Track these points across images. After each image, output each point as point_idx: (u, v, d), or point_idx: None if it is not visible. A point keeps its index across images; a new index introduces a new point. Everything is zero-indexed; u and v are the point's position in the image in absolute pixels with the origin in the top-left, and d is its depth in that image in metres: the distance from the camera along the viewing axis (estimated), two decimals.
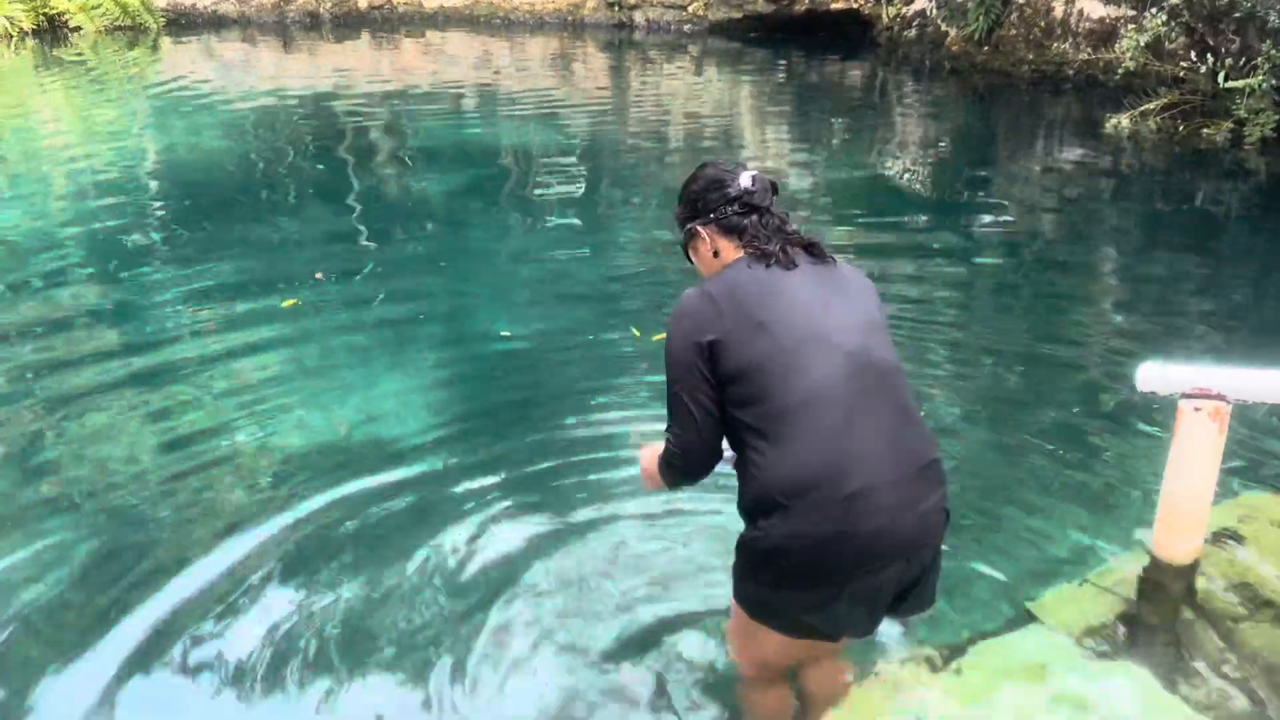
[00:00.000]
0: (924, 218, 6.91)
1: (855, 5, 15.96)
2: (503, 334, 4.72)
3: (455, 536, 3.10)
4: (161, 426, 3.86)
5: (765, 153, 8.74)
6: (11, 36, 15.88)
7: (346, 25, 18.44)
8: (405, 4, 18.90)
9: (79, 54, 15.14)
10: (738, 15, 16.72)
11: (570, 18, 18.32)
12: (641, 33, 17.35)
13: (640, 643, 2.66)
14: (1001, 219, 6.88)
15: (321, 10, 18.69)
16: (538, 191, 7.50)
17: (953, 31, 12.99)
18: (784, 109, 11.15)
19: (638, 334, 4.63)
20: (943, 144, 9.35)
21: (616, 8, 17.89)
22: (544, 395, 4.17)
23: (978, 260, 6.04)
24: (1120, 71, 9.59)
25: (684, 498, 3.15)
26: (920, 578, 1.94)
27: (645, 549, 3.06)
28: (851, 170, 8.21)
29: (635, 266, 5.80)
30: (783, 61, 14.60)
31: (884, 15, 14.99)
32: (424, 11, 18.89)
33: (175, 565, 2.99)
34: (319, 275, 5.45)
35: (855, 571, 1.82)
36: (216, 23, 18.39)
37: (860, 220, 6.77)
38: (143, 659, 2.62)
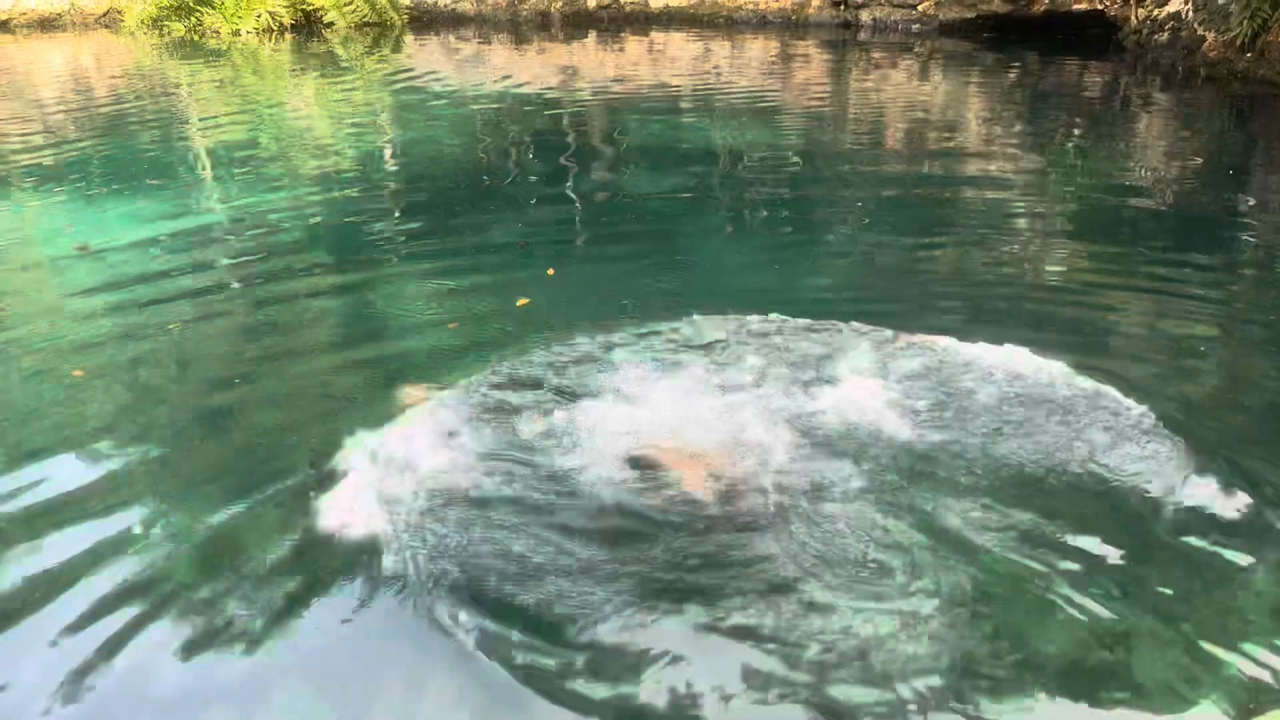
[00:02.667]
0: (1171, 241, 6.34)
1: (1099, 6, 14.96)
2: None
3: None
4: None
5: (991, 161, 8.29)
6: (272, 31, 17.26)
7: (575, 24, 18.99)
8: (631, 4, 19.24)
9: (330, 48, 16.26)
10: (970, 15, 16.02)
11: (794, 16, 18.11)
12: (867, 32, 16.92)
13: None
14: (1269, 243, 6.23)
15: (552, 10, 19.31)
16: (751, 194, 7.42)
17: (1211, 36, 11.94)
18: (1016, 114, 10.55)
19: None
20: (1195, 158, 8.58)
21: (842, 6, 17.53)
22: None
23: (1235, 290, 5.48)
24: None
25: None
26: None
27: None
28: (1089, 182, 7.66)
29: (846, 271, 5.62)
30: (1016, 64, 13.87)
31: (1132, 17, 13.98)
32: (649, 11, 19.17)
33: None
34: (550, 271, 5.57)
35: None
36: (455, 20, 19.34)
37: (1098, 240, 6.29)
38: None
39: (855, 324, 4.65)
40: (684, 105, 11.30)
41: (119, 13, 18.81)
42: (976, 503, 3.26)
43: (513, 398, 3.98)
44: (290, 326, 4.93)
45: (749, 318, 4.74)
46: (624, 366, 4.27)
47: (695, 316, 4.77)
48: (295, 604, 2.87)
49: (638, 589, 2.89)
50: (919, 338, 4.48)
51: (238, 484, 3.48)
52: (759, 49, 15.66)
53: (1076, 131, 9.74)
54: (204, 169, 8.37)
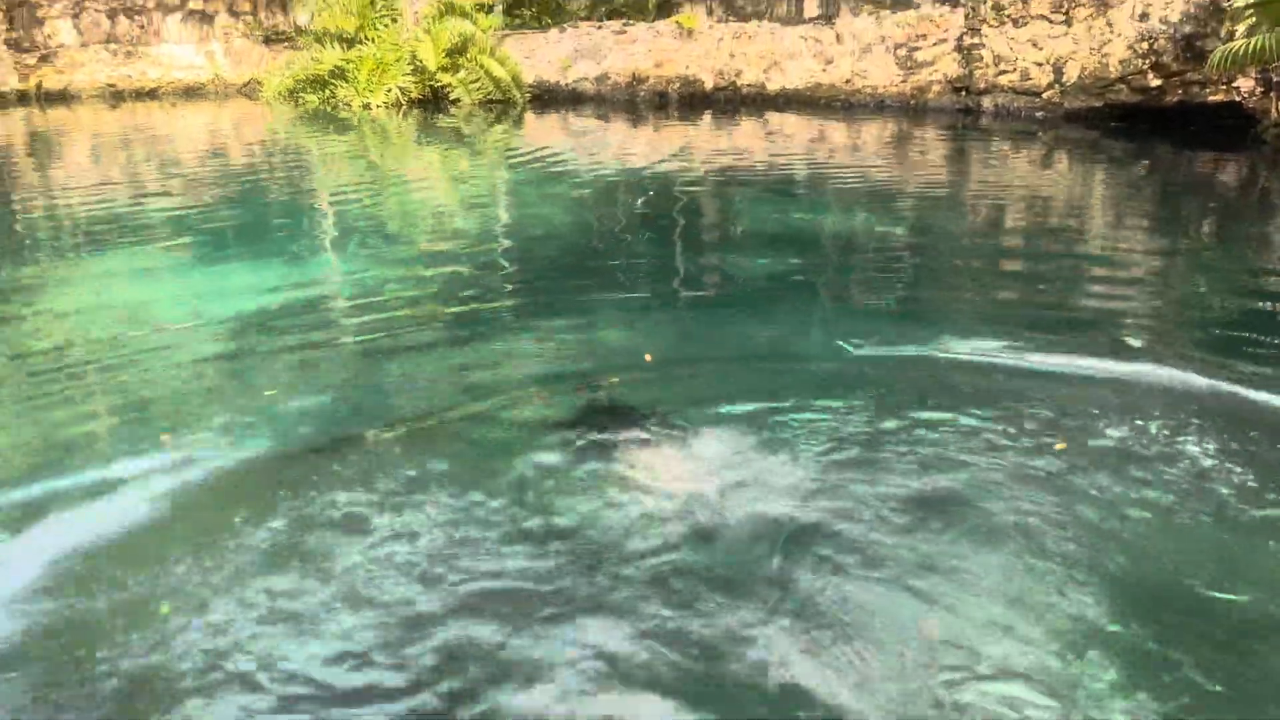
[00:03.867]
0: None
1: (1236, 98, 14.41)
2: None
3: None
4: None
5: (1116, 255, 7.92)
6: (400, 105, 17.94)
7: (691, 106, 19.24)
8: (748, 86, 19.42)
9: (454, 123, 16.79)
10: (1097, 103, 15.62)
11: (913, 101, 17.98)
12: (988, 118, 16.65)
13: None
14: None
15: (669, 91, 19.61)
16: (860, 280, 7.23)
17: None
18: (1144, 207, 10.14)
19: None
20: None
21: (963, 92, 17.32)
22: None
23: None
24: None
25: None
26: None
27: None
28: (1223, 283, 7.23)
29: (966, 353, 5.36)
30: (1147, 155, 13.41)
31: (1273, 110, 13.40)
32: (765, 93, 19.30)
33: None
34: (648, 357, 5.48)
35: None
36: (575, 99, 19.81)
37: (1235, 346, 5.89)
38: None
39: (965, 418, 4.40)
40: (797, 186, 11.22)
41: (258, 83, 19.85)
42: None
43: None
44: (398, 390, 4.92)
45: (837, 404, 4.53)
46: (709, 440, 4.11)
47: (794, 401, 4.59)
48: None
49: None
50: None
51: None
52: (875, 132, 15.54)
53: (1211, 224, 9.28)
54: (327, 238, 8.61)
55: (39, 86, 19.67)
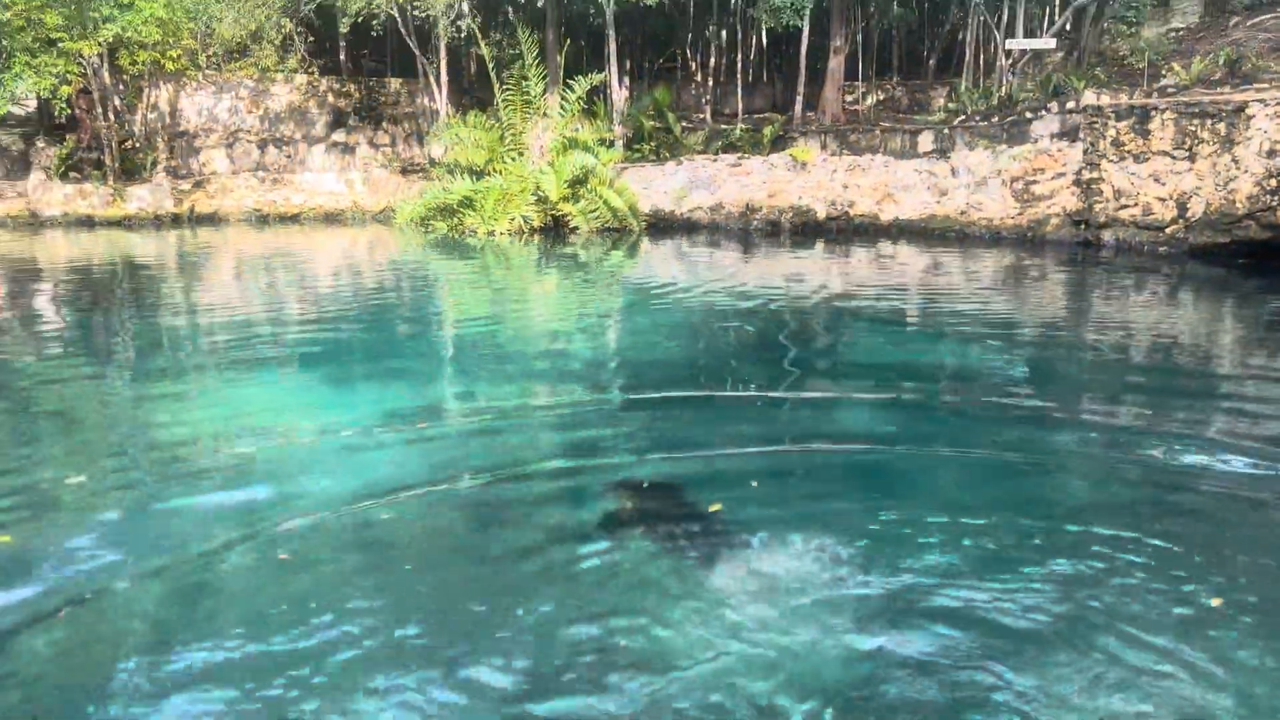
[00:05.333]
0: None
1: None
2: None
3: None
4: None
5: (1246, 401, 7.61)
6: (523, 232, 18.71)
7: (804, 234, 19.53)
8: (861, 216, 19.65)
9: (573, 249, 17.40)
10: (1224, 239, 15.23)
11: (1030, 234, 17.87)
12: (1109, 251, 16.39)
13: None
14: None
15: (782, 220, 19.98)
16: (975, 417, 7.11)
17: None
18: (1275, 350, 9.75)
19: None
20: None
21: (1083, 225, 17.14)
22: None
23: None
24: None
25: None
26: None
27: None
28: None
29: (1078, 499, 5.19)
30: (1277, 293, 12.95)
31: None
32: (879, 223, 19.48)
33: None
34: (754, 484, 5.50)
35: None
36: (689, 227, 20.34)
37: None
38: None
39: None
40: (908, 316, 11.19)
41: (393, 210, 20.99)
42: None
43: None
44: (508, 523, 5.03)
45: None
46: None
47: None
48: None
49: None
50: None
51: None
52: (991, 264, 15.45)
53: None
54: (446, 356, 8.96)
55: (192, 210, 21.22)
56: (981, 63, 23.33)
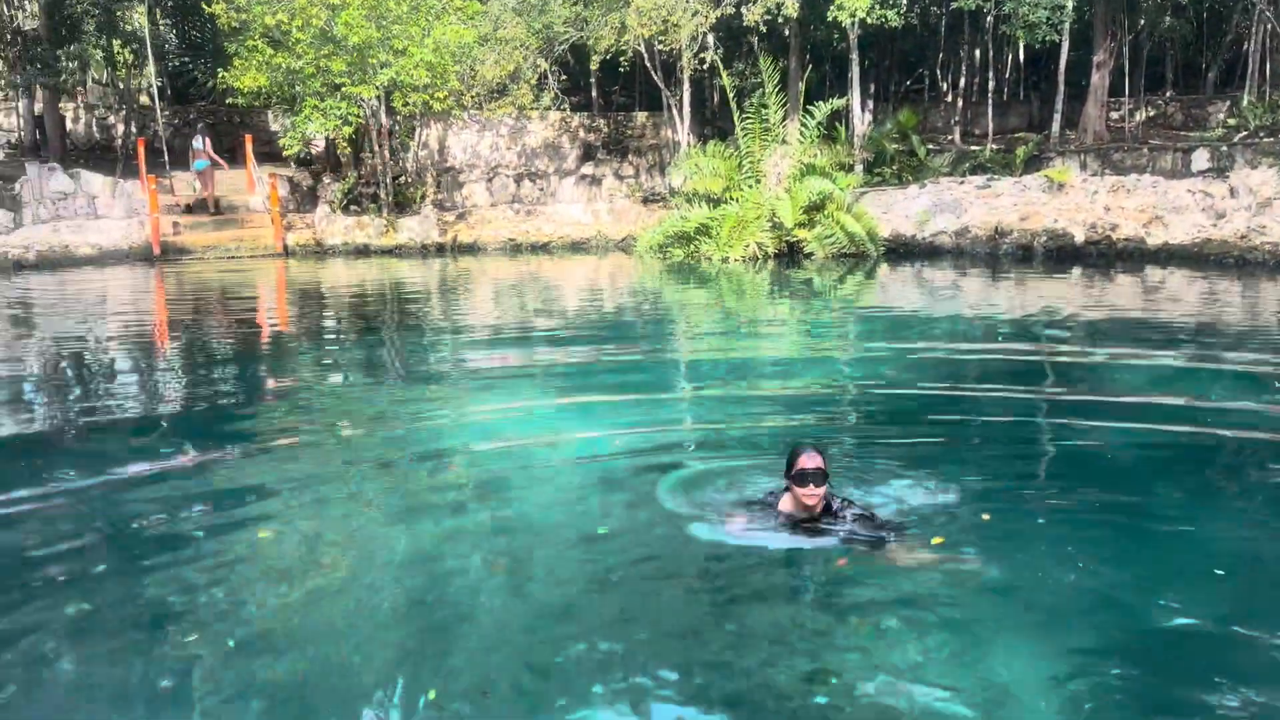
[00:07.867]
0: None
1: None
2: None
3: None
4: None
5: None
6: (757, 258, 18.75)
7: (1059, 259, 18.36)
8: (1124, 240, 18.27)
9: (807, 275, 17.23)
10: None
11: None
12: None
13: None
14: None
15: (1035, 244, 18.90)
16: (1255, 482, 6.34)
17: None
18: None
19: None
20: None
21: None
22: None
23: None
24: None
25: None
26: None
27: None
28: None
29: None
30: None
31: None
32: (1145, 248, 18.04)
33: None
34: (985, 516, 5.19)
35: None
36: (931, 252, 19.64)
37: None
38: None
39: None
40: (1182, 353, 9.99)
41: (633, 239, 21.62)
42: None
43: None
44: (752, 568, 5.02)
45: None
46: None
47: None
48: None
49: None
50: None
51: None
52: (1276, 291, 13.90)
53: None
54: (678, 380, 9.09)
55: (454, 240, 22.76)
56: (1268, 74, 21.18)
